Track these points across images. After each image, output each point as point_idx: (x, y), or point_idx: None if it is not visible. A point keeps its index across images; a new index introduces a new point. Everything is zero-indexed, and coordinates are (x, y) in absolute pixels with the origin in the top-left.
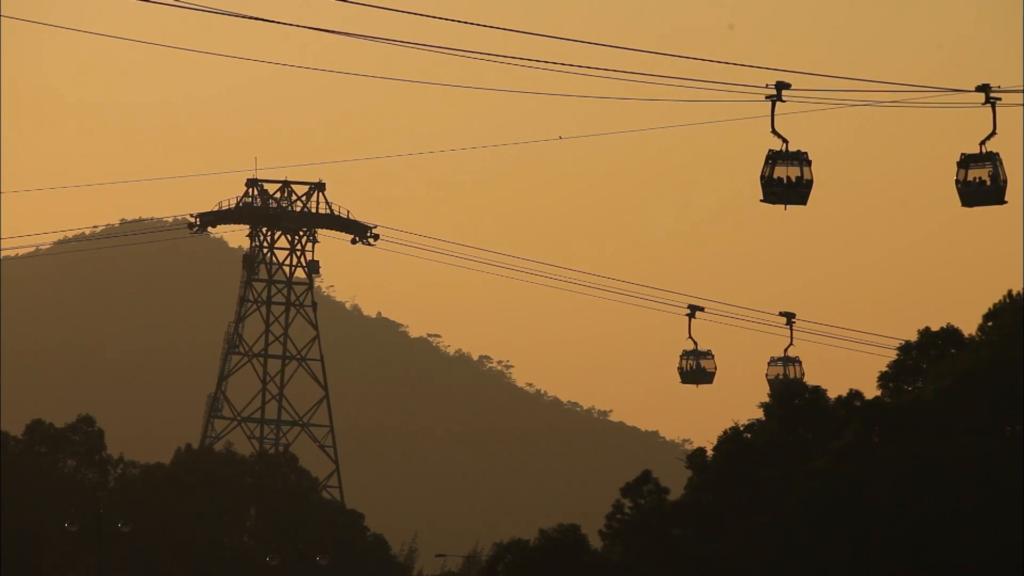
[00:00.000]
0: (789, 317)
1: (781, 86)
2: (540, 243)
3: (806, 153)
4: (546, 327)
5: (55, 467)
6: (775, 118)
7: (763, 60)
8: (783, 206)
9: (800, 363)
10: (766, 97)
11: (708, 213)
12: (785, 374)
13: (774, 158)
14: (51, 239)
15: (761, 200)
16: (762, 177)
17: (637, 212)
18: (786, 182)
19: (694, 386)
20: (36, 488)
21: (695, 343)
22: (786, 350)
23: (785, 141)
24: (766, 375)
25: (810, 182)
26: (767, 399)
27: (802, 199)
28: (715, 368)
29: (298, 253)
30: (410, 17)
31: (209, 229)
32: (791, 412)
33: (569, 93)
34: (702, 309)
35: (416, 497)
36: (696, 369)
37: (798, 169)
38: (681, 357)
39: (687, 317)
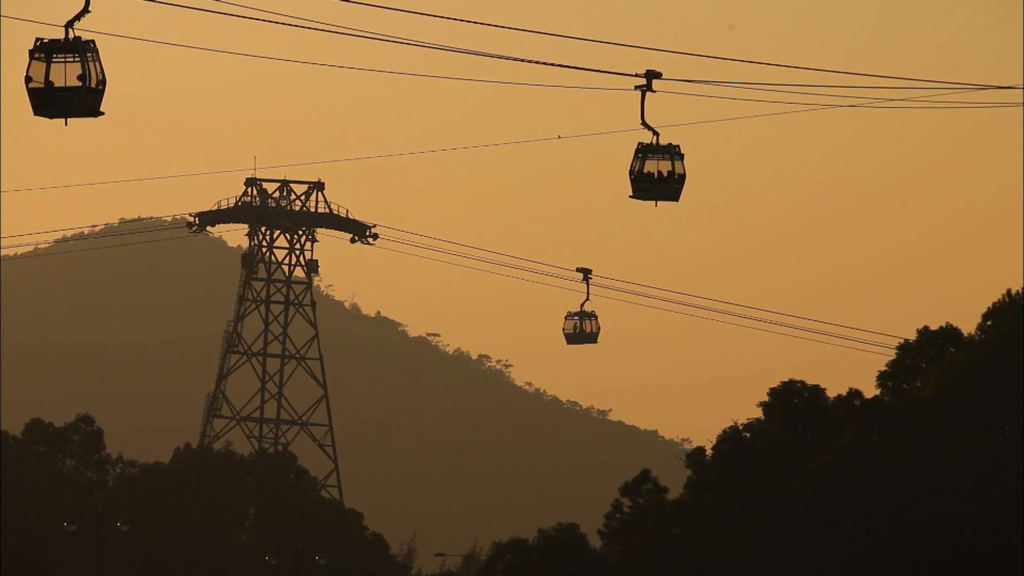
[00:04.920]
0: (586, 273)
1: (651, 75)
2: (539, 242)
3: (678, 146)
4: (545, 326)
5: (54, 466)
6: (644, 109)
7: (764, 57)
8: (653, 202)
9: (596, 317)
10: (636, 87)
11: (708, 212)
12: (580, 327)
13: (644, 152)
14: (51, 238)
15: (630, 196)
16: (631, 172)
17: (638, 211)
18: (656, 177)
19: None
20: (35, 487)
21: (581, 307)
22: (582, 305)
23: (656, 134)
24: (563, 328)
25: (682, 177)
26: (765, 398)
27: (674, 195)
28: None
29: (297, 252)
30: (410, 15)
31: (208, 228)
32: (791, 412)
33: (568, 85)
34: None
35: (415, 496)
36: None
37: (669, 163)
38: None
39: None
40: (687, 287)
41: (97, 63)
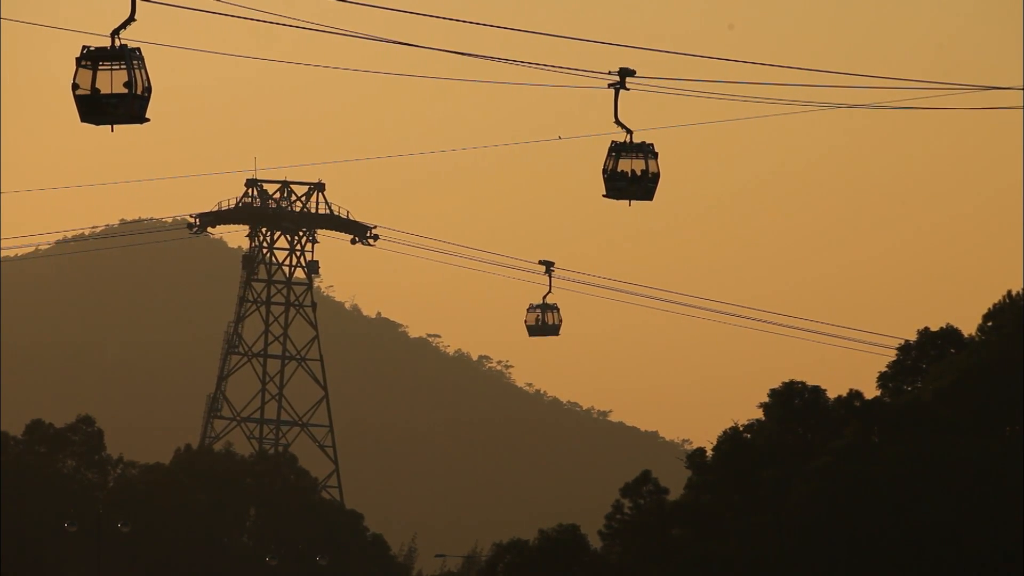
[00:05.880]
0: (548, 265)
1: (624, 73)
2: (539, 242)
3: (651, 145)
4: None
5: (55, 467)
6: (618, 106)
7: (765, 57)
8: (627, 202)
9: (558, 309)
10: (609, 85)
11: (710, 211)
12: (542, 320)
13: (617, 150)
14: (51, 239)
15: (604, 195)
16: (604, 171)
17: (637, 210)
18: (630, 176)
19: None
20: (36, 488)
21: (543, 299)
22: (544, 297)
23: (629, 132)
24: (525, 321)
25: (656, 175)
26: (765, 398)
27: (648, 194)
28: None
29: (298, 253)
30: (409, 16)
31: (209, 229)
32: (791, 412)
33: (565, 85)
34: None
35: (416, 497)
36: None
37: (643, 162)
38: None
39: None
40: (689, 288)
41: (143, 70)
